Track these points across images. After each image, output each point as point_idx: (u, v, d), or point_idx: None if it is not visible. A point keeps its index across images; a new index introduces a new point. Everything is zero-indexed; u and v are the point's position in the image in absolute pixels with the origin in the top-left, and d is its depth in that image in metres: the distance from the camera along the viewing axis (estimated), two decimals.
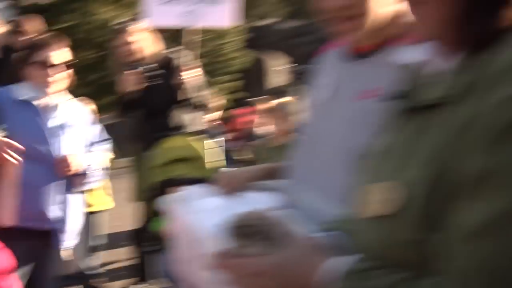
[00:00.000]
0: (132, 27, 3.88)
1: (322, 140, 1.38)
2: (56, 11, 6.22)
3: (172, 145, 3.51)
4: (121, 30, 3.81)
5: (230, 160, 4.23)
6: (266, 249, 0.93)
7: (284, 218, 1.00)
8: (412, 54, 0.95)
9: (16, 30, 4.13)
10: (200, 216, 1.41)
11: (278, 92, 7.19)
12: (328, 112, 1.38)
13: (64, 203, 2.64)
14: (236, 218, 0.98)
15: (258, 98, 5.91)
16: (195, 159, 3.84)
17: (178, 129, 3.97)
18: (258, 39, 13.20)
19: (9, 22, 4.43)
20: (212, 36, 10.83)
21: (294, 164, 1.46)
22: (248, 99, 7.02)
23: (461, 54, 0.83)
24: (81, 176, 2.72)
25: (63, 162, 2.57)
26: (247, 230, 0.96)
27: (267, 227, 0.96)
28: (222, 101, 6.60)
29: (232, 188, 1.51)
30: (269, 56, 13.08)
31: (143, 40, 3.87)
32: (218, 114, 4.85)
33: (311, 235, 0.99)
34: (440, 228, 0.78)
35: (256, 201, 1.33)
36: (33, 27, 4.21)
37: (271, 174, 1.50)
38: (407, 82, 0.95)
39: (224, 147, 4.38)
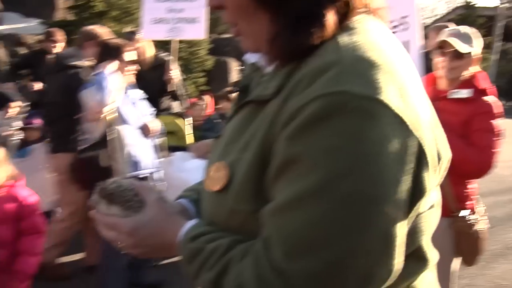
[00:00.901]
0: (136, 36, 4.84)
1: None
2: (79, 25, 7.71)
3: (163, 122, 4.25)
4: (129, 38, 4.66)
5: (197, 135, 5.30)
6: (126, 212, 1.02)
7: (145, 187, 1.07)
8: (254, 57, 1.02)
9: (49, 39, 5.62)
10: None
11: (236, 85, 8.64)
12: None
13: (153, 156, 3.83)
14: (105, 183, 1.06)
15: (222, 90, 7.40)
16: (178, 132, 5.22)
17: (166, 111, 5.16)
18: (221, 48, 16.09)
19: (43, 33, 5.89)
20: (189, 44, 14.10)
21: None
22: (214, 91, 8.43)
23: (277, 63, 0.92)
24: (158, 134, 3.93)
25: (146, 127, 3.75)
26: (110, 193, 1.04)
27: (126, 192, 1.04)
28: (194, 92, 7.88)
29: (203, 153, 2.41)
30: (231, 59, 15.59)
31: (143, 46, 4.85)
32: (190, 101, 6.14)
33: (165, 201, 1.07)
34: (261, 202, 0.87)
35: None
36: (61, 36, 5.69)
37: None
38: (246, 78, 1.07)
39: (192, 125, 5.31)
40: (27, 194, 2.96)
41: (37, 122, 4.67)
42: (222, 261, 0.89)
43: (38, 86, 5.43)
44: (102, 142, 3.57)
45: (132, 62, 3.76)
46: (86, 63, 4.01)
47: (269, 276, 0.82)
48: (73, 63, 4.04)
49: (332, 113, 0.79)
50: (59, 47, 5.61)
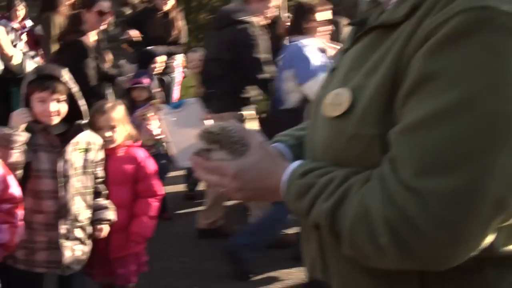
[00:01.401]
0: None
1: None
2: None
3: None
4: None
5: None
6: (229, 155, 1.00)
7: (249, 130, 1.06)
8: None
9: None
10: None
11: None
12: None
13: None
14: (209, 127, 1.05)
15: None
16: None
17: None
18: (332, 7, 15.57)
19: None
20: None
21: None
22: None
23: None
24: None
25: None
26: (215, 137, 1.02)
27: (231, 136, 1.02)
28: None
29: None
30: (342, 18, 15.03)
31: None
32: None
33: (267, 144, 1.05)
34: (386, 126, 0.84)
35: None
36: None
37: None
38: (364, 13, 1.06)
39: None
40: (145, 156, 2.86)
41: (146, 81, 4.52)
42: (340, 190, 0.87)
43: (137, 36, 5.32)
44: (294, 112, 3.46)
45: (326, 22, 3.60)
46: (253, 18, 3.82)
47: (400, 196, 0.79)
48: (241, 18, 3.81)
49: (476, 28, 0.77)
50: (169, 5, 5.50)
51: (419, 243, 0.78)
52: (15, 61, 2.57)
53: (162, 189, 2.92)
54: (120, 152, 2.81)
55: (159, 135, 4.22)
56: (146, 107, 4.36)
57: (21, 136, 2.30)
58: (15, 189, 2.17)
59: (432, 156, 0.78)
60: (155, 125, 4.21)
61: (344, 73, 0.96)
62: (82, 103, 2.51)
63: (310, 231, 1.00)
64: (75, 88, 2.48)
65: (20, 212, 2.17)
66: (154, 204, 2.85)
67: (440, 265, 0.81)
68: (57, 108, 2.41)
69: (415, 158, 0.79)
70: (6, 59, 2.55)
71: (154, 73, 4.99)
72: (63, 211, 2.43)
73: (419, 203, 0.77)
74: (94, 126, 2.68)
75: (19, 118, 2.36)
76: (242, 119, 3.71)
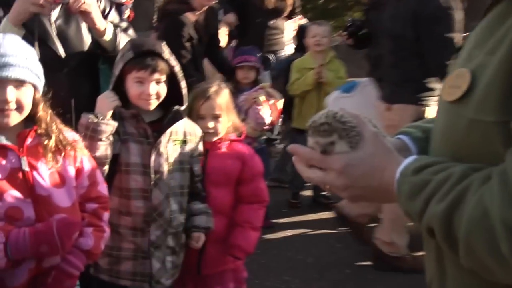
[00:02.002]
0: None
1: None
2: None
3: None
4: None
5: None
6: (340, 147, 0.94)
7: (363, 119, 0.98)
8: None
9: None
10: None
11: None
12: None
13: None
14: (315, 116, 0.98)
15: None
16: None
17: None
18: None
19: None
20: None
21: None
22: None
23: None
24: None
25: None
26: (323, 128, 0.95)
27: (342, 125, 0.95)
28: None
29: None
30: None
31: None
32: None
33: (384, 136, 0.98)
34: (508, 112, 0.77)
35: None
36: None
37: None
38: None
39: None
40: (251, 153, 2.39)
41: (254, 60, 3.87)
42: (456, 190, 0.79)
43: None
44: None
45: None
46: None
47: None
48: None
49: None
50: None
51: None
52: (107, 36, 2.22)
53: (267, 194, 2.44)
54: (223, 147, 2.36)
55: (269, 125, 3.65)
56: (256, 90, 3.69)
57: (109, 125, 1.99)
58: (102, 187, 1.86)
59: None
60: (267, 113, 3.60)
61: (468, 51, 0.90)
62: (183, 85, 2.16)
63: (428, 238, 0.91)
64: (177, 66, 2.14)
65: (106, 214, 1.86)
66: (260, 212, 2.40)
67: None
68: (156, 91, 2.07)
69: None
70: (97, 34, 2.22)
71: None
72: (154, 214, 2.11)
73: None
74: (193, 114, 2.31)
75: (106, 103, 2.05)
76: (423, 115, 3.07)
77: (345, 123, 0.94)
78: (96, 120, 1.96)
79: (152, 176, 2.08)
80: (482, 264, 0.76)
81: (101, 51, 2.30)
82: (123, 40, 2.28)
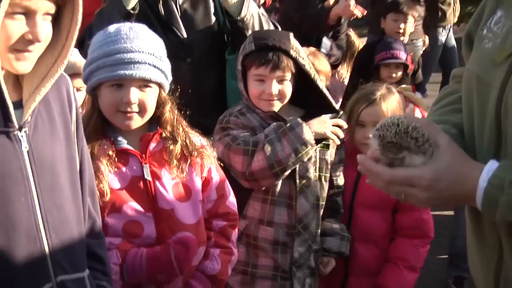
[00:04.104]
0: None
1: None
2: None
3: None
4: None
5: None
6: (411, 159, 0.90)
7: (435, 126, 0.92)
8: None
9: None
10: None
11: None
12: None
13: None
14: (385, 122, 0.93)
15: None
16: None
17: None
18: None
19: None
20: None
21: None
22: None
23: None
24: None
25: None
26: (393, 146, 0.90)
27: (414, 142, 0.90)
28: None
29: None
30: None
31: None
32: None
33: (455, 142, 0.93)
34: None
35: None
36: None
37: None
38: None
39: None
40: None
41: (404, 55, 2.94)
42: None
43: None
44: None
45: None
46: None
47: None
48: None
49: None
50: None
51: None
52: None
53: (432, 228, 2.00)
54: None
55: None
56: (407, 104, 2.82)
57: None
58: (231, 202, 1.61)
59: None
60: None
61: None
62: (320, 85, 1.85)
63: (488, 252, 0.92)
64: (308, 65, 1.83)
65: (235, 234, 1.61)
66: (421, 250, 1.95)
67: None
68: (278, 90, 1.81)
69: None
70: None
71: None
72: (298, 226, 1.81)
73: None
74: (351, 119, 1.97)
75: (322, 128, 1.83)
76: None
77: (417, 139, 0.91)
78: (306, 150, 1.73)
79: (297, 181, 1.79)
80: None
81: (226, 16, 1.97)
82: (252, 6, 1.98)
